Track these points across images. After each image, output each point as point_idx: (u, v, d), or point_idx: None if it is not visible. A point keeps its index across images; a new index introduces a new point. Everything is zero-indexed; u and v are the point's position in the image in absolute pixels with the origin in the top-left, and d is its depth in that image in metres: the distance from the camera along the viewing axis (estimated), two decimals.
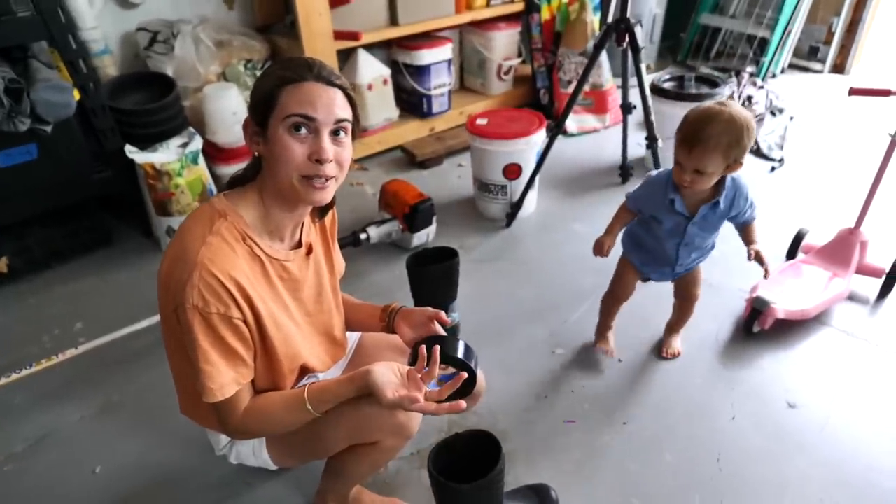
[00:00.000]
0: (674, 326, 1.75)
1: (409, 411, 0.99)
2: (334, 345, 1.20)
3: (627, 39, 2.00)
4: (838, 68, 3.75)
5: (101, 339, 1.74)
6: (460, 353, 1.06)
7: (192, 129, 2.26)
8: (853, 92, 1.69)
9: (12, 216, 2.04)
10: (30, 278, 2.15)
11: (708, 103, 1.29)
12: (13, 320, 1.98)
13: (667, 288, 2.01)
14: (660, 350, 1.75)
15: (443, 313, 1.15)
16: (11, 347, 1.84)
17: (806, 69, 3.84)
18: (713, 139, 1.23)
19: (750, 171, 2.74)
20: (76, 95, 1.94)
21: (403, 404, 0.96)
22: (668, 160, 2.41)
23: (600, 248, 1.50)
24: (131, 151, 2.10)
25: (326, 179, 0.94)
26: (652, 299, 1.95)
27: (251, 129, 0.96)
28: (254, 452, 1.17)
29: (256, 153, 0.98)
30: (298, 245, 1.07)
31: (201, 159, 2.18)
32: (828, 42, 3.71)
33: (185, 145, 2.18)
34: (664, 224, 1.45)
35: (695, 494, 1.36)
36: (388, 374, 0.98)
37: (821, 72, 3.78)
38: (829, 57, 3.73)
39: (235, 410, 0.99)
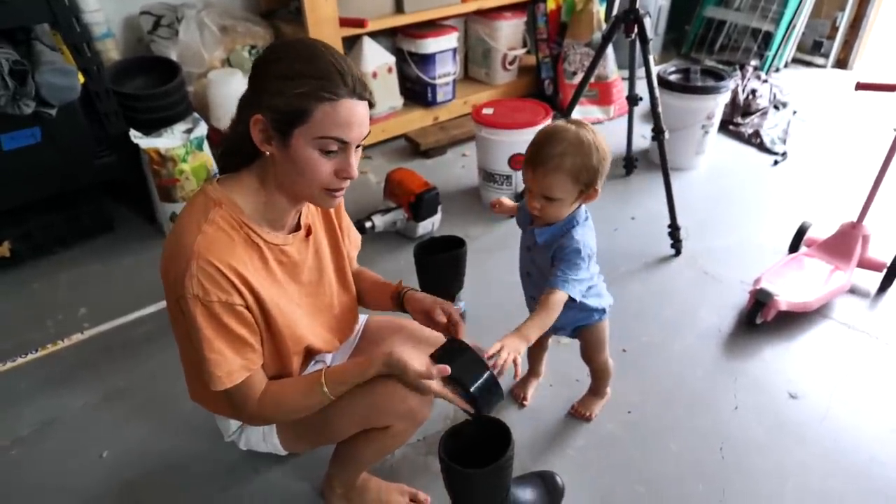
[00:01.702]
0: (591, 387, 1.57)
1: (427, 391, 1.00)
2: (339, 325, 1.19)
3: (636, 30, 2.00)
4: (841, 63, 3.75)
5: (106, 325, 1.74)
6: (473, 386, 1.00)
7: (196, 115, 2.25)
8: (860, 87, 1.69)
9: (15, 200, 2.03)
10: (33, 263, 2.14)
11: (557, 122, 1.17)
12: (17, 305, 1.97)
13: (669, 282, 2.03)
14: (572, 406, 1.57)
15: (451, 305, 1.15)
16: (16, 332, 1.84)
17: (809, 63, 3.83)
18: (555, 159, 1.11)
19: (753, 165, 2.75)
20: (80, 79, 1.92)
21: (431, 374, 0.98)
22: (673, 153, 2.43)
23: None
24: (136, 136, 2.08)
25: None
26: (657, 296, 1.97)
27: (266, 131, 0.89)
28: (264, 438, 1.18)
29: (267, 152, 0.91)
30: (297, 227, 1.06)
31: (206, 145, 2.17)
32: (831, 37, 3.71)
33: (189, 131, 2.17)
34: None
35: (698, 483, 1.38)
36: (410, 352, 1.00)
37: (824, 66, 3.77)
38: (833, 52, 3.72)
39: (251, 396, 0.99)
